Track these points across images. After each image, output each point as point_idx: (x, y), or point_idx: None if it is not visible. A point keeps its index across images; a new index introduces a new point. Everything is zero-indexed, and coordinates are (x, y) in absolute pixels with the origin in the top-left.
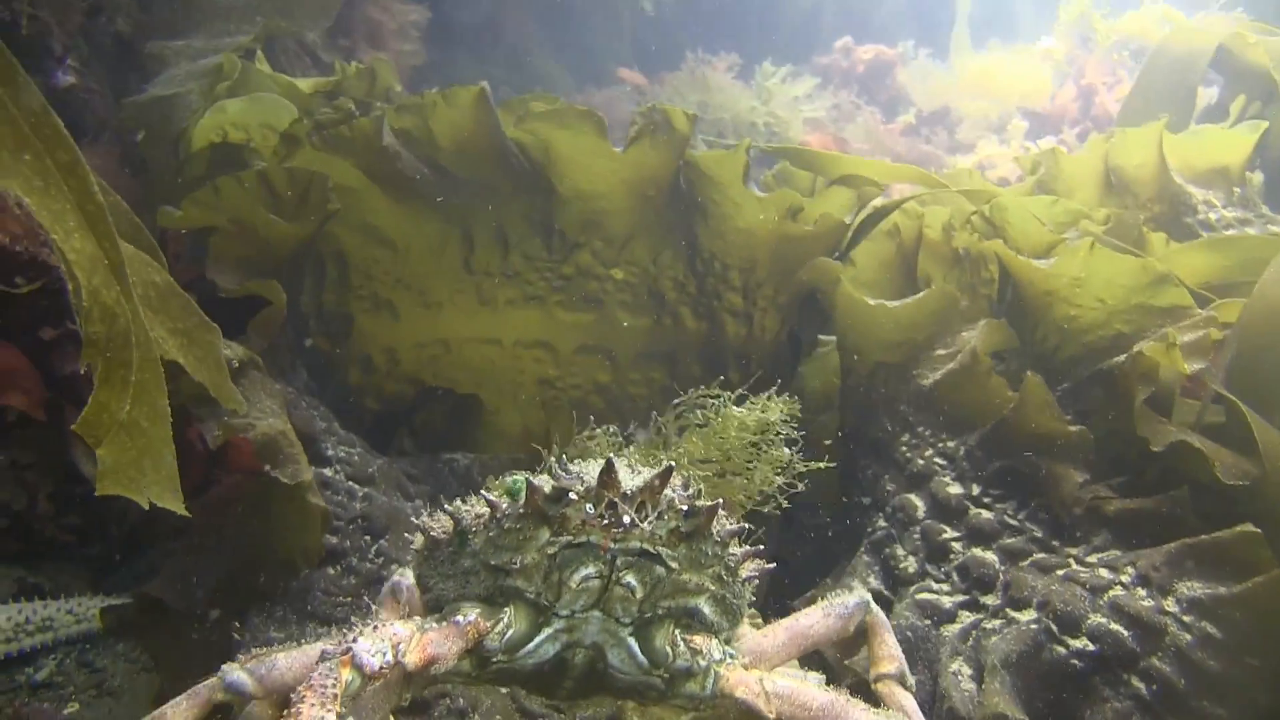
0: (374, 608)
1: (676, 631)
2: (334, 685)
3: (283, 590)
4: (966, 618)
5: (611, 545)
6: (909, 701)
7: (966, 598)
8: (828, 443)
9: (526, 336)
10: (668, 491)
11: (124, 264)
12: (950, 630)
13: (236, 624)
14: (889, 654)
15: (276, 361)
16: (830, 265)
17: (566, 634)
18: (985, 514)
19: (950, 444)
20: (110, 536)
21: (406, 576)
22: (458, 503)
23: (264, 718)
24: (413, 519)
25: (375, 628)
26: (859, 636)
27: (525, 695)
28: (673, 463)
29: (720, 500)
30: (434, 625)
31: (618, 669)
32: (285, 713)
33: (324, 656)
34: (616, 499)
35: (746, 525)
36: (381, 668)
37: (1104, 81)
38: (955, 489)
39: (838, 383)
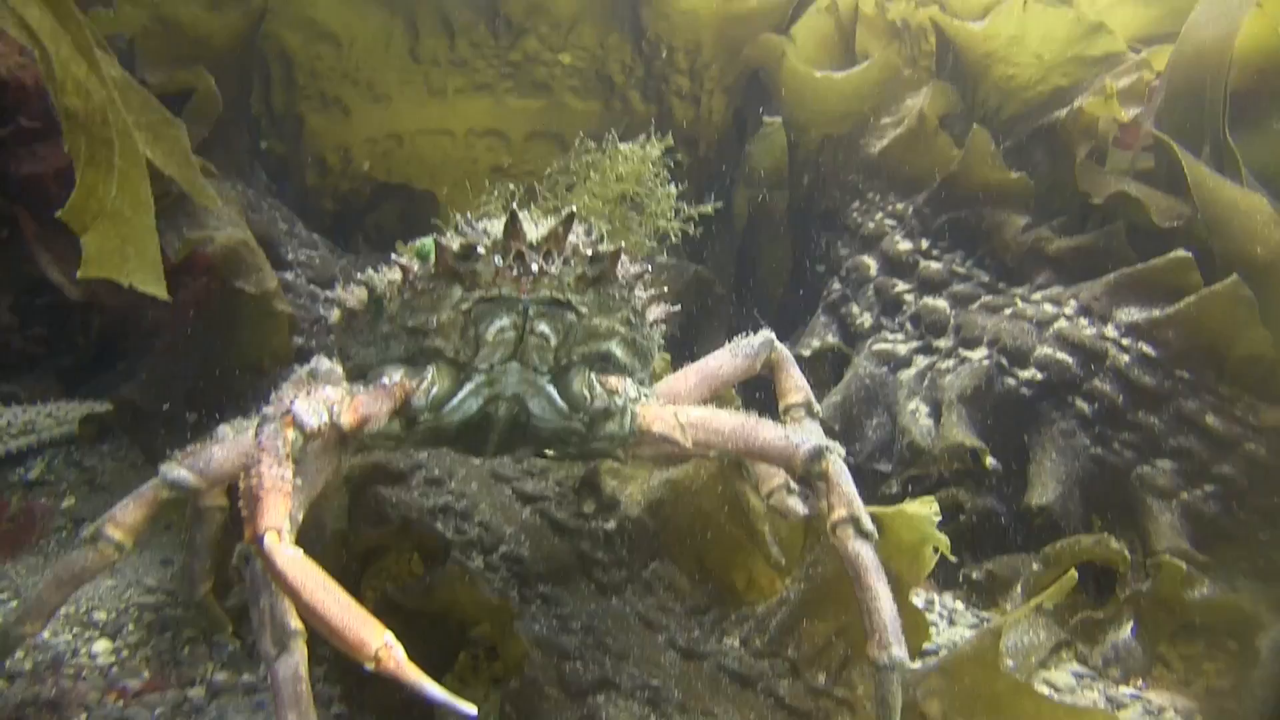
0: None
1: (592, 375)
2: (283, 444)
3: (254, 391)
4: (921, 361)
5: (522, 295)
6: (814, 425)
7: (920, 343)
8: (781, 222)
9: (478, 125)
10: (572, 238)
11: (89, 38)
12: (907, 374)
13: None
14: (795, 385)
15: (236, 165)
16: (774, 40)
17: (488, 387)
18: (934, 265)
19: (899, 205)
20: (78, 346)
21: (323, 362)
22: (369, 271)
23: (214, 505)
24: None
25: (308, 393)
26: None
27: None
28: (573, 207)
29: (622, 244)
30: (362, 388)
31: (540, 417)
32: (244, 475)
33: (264, 419)
34: (523, 248)
35: (647, 266)
36: (319, 427)
37: None
38: (905, 245)
39: (785, 159)
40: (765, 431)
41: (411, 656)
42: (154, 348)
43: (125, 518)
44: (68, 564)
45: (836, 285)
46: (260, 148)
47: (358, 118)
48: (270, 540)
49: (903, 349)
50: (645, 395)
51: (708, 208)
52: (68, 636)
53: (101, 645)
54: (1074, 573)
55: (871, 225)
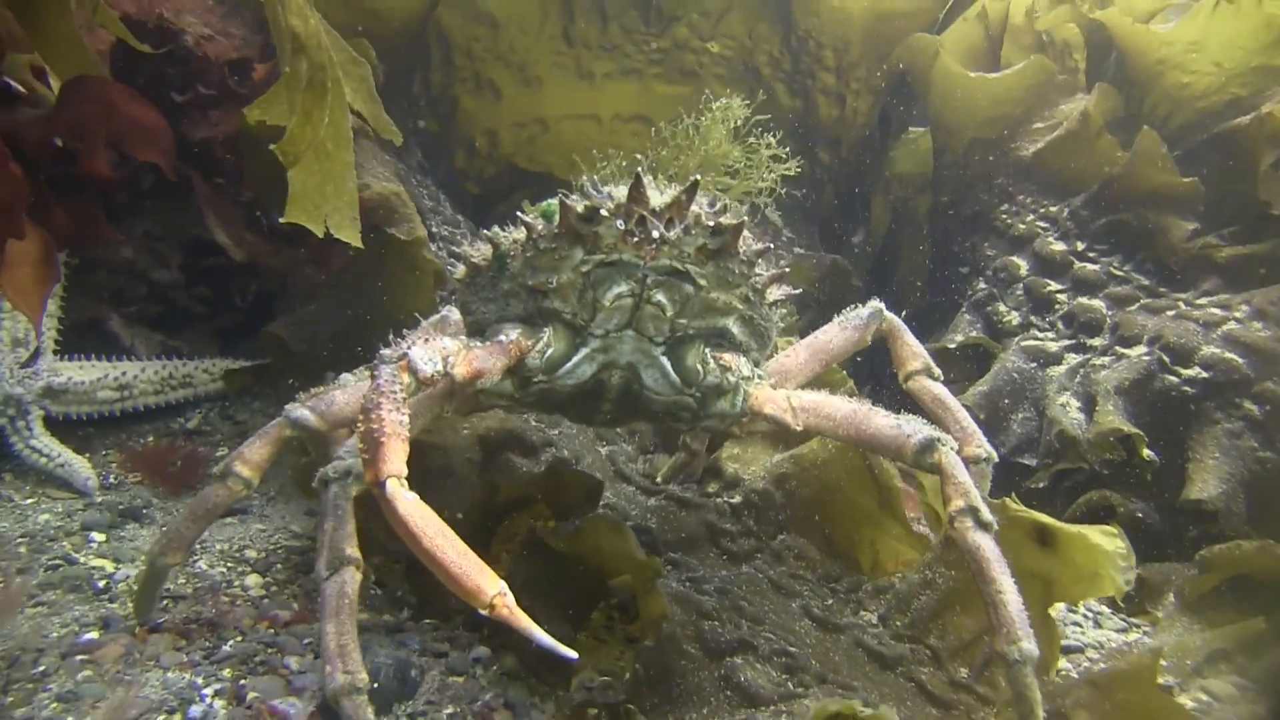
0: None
1: (707, 350)
2: (401, 389)
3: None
4: (1073, 359)
5: (642, 263)
6: (939, 388)
7: (1072, 341)
8: (924, 224)
9: (624, 110)
10: (694, 208)
11: None
12: (1057, 371)
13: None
14: (912, 352)
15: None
16: (927, 40)
17: (603, 353)
18: (1090, 266)
19: (1052, 208)
20: (237, 308)
21: (453, 312)
22: (496, 229)
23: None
24: None
25: (426, 340)
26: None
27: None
28: (697, 176)
29: (745, 218)
30: (479, 343)
31: (652, 389)
32: (362, 416)
33: (382, 360)
34: (645, 214)
35: (770, 245)
36: (433, 375)
37: None
38: (1059, 246)
39: (929, 162)
40: (877, 420)
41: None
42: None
43: (252, 455)
44: (202, 499)
45: (982, 285)
46: (418, 126)
47: (508, 100)
48: (393, 486)
49: (1053, 346)
50: (759, 375)
51: (791, 166)
52: (223, 569)
53: (253, 579)
54: None
55: (1023, 227)
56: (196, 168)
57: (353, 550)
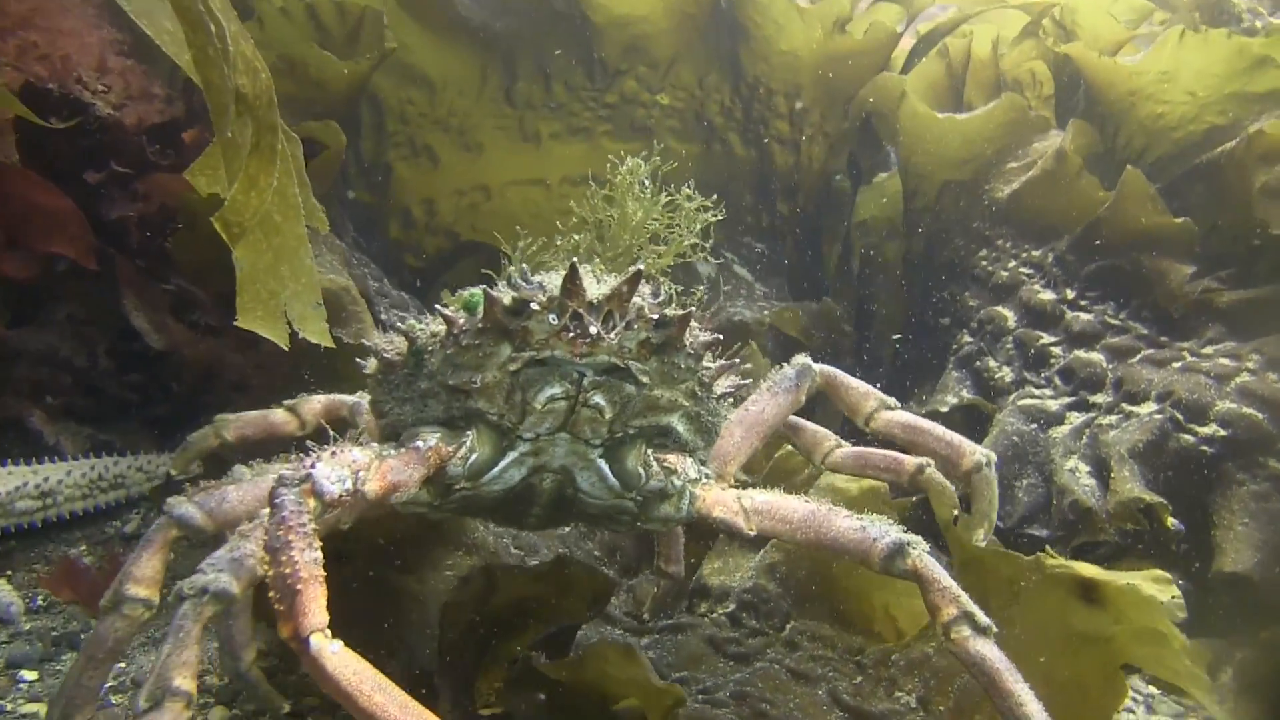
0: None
1: (649, 451)
2: (309, 518)
3: None
4: (1076, 418)
5: (577, 360)
6: (903, 414)
7: (1073, 399)
8: (897, 272)
9: (573, 172)
10: (636, 299)
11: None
12: (1060, 432)
13: None
14: (860, 394)
15: (329, 216)
16: (893, 80)
17: (533, 457)
18: (1084, 316)
19: (1035, 253)
20: (172, 394)
21: (362, 398)
22: (411, 321)
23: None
24: None
25: (333, 453)
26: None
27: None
28: (640, 266)
29: (693, 309)
30: (393, 451)
31: (588, 493)
32: (268, 558)
33: (282, 482)
34: (582, 309)
35: (719, 335)
36: (341, 495)
37: None
38: (1047, 295)
39: (897, 207)
40: (839, 522)
41: None
42: (242, 398)
43: (143, 570)
44: (96, 640)
45: (968, 338)
46: (347, 198)
47: (446, 167)
48: (318, 642)
49: (1053, 405)
50: (706, 476)
51: (717, 211)
52: None
53: (218, 714)
54: None
55: (1005, 274)
56: (118, 247)
57: (183, 682)
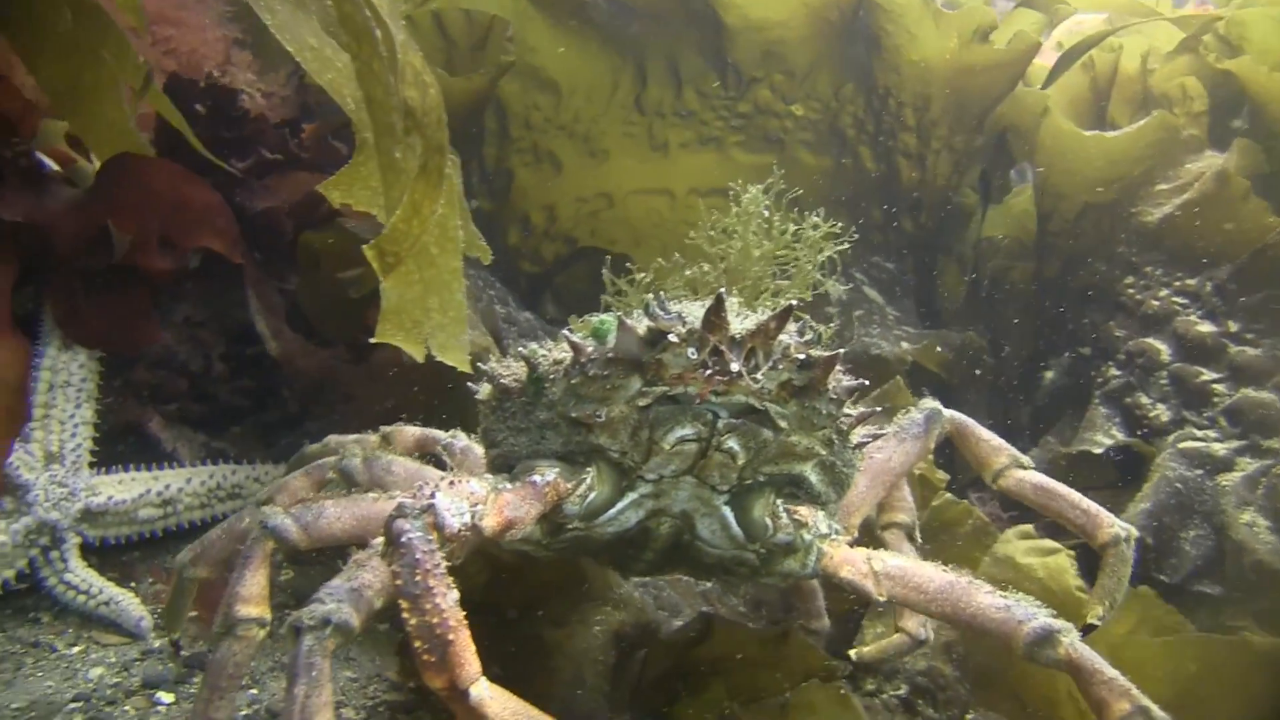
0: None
1: (778, 501)
2: (440, 558)
3: None
4: (1249, 464)
5: (712, 398)
6: (1037, 476)
7: (1244, 442)
8: (1027, 296)
9: (701, 184)
10: (783, 337)
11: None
12: (1230, 479)
13: None
14: (992, 448)
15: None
16: (1033, 95)
17: (653, 500)
18: (1250, 351)
19: (1190, 281)
20: (284, 401)
21: (459, 438)
22: (533, 346)
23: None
24: None
25: (451, 483)
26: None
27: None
28: (794, 302)
29: (840, 350)
30: (508, 485)
31: (707, 541)
32: (407, 605)
33: (402, 513)
34: (724, 344)
35: (864, 381)
36: (460, 530)
37: None
38: (1206, 327)
39: (1033, 228)
40: (980, 599)
41: None
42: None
43: (249, 590)
44: (218, 668)
45: (1115, 371)
46: (470, 207)
47: (569, 174)
48: (478, 692)
49: (1220, 449)
50: (836, 532)
51: (844, 240)
52: None
53: None
54: None
55: (1156, 304)
56: (253, 242)
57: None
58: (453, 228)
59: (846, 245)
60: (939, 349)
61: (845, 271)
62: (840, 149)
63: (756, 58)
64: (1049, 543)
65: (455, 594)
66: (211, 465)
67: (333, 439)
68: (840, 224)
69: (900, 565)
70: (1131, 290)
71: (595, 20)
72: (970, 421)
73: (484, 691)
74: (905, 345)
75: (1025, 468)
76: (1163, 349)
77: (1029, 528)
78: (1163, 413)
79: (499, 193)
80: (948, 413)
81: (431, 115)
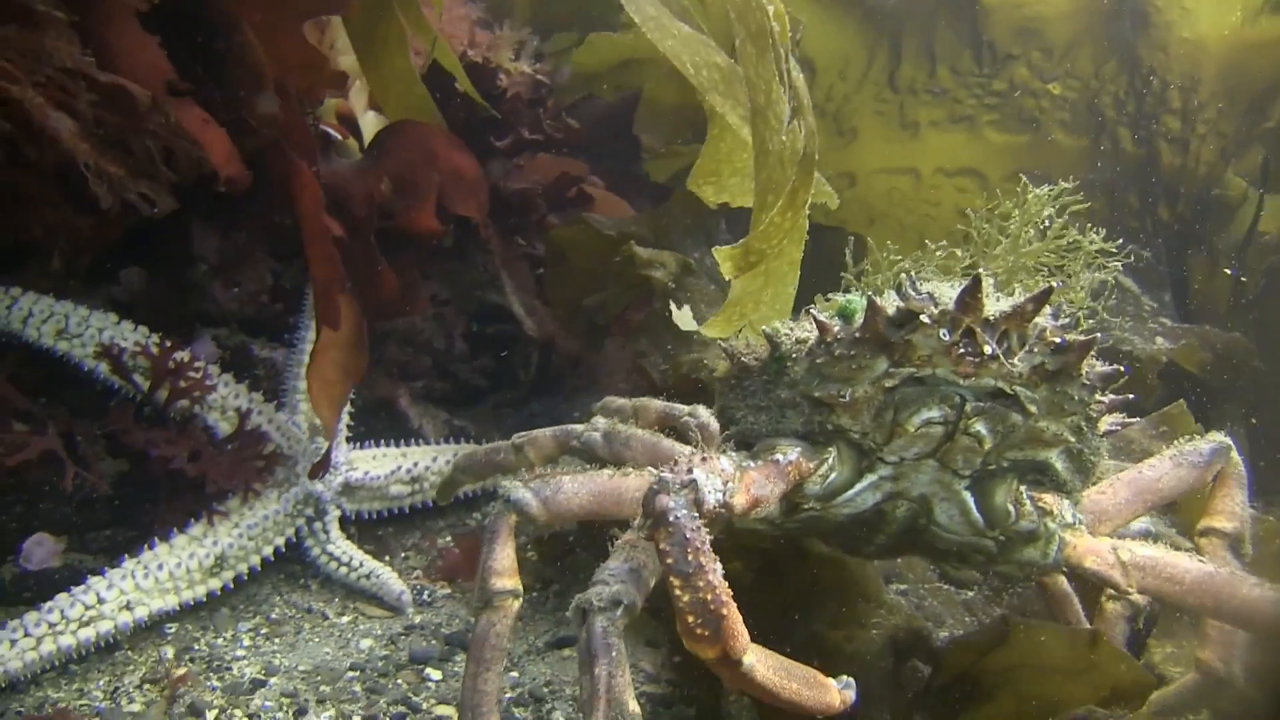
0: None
1: (1022, 488)
2: (704, 533)
3: None
4: None
5: (962, 382)
6: (1230, 556)
7: None
8: None
9: (949, 163)
10: (1039, 319)
11: None
12: None
13: None
14: (1231, 509)
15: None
16: None
17: (892, 483)
18: None
19: None
20: (519, 380)
21: (700, 413)
22: (776, 324)
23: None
24: None
25: (704, 459)
26: None
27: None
28: (1054, 284)
29: (1097, 335)
30: (753, 463)
31: (944, 526)
32: (679, 582)
33: (664, 488)
34: (977, 326)
35: (1119, 368)
36: (715, 506)
37: None
38: None
39: None
40: (1246, 590)
41: None
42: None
43: (500, 563)
44: (480, 643)
45: None
46: None
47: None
48: (750, 660)
49: None
50: (1080, 521)
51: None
52: None
53: None
54: None
55: None
56: (504, 222)
57: (634, 705)
58: (802, 222)
59: (1118, 266)
60: (1199, 349)
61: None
62: (1098, 130)
63: (1012, 34)
64: None
65: (720, 566)
66: (454, 444)
67: (609, 400)
68: (1101, 233)
69: (1151, 555)
70: None
71: None
72: (1243, 476)
73: (754, 658)
74: (1161, 341)
75: (1238, 553)
76: None
77: None
78: None
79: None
80: (1236, 456)
81: (804, 92)
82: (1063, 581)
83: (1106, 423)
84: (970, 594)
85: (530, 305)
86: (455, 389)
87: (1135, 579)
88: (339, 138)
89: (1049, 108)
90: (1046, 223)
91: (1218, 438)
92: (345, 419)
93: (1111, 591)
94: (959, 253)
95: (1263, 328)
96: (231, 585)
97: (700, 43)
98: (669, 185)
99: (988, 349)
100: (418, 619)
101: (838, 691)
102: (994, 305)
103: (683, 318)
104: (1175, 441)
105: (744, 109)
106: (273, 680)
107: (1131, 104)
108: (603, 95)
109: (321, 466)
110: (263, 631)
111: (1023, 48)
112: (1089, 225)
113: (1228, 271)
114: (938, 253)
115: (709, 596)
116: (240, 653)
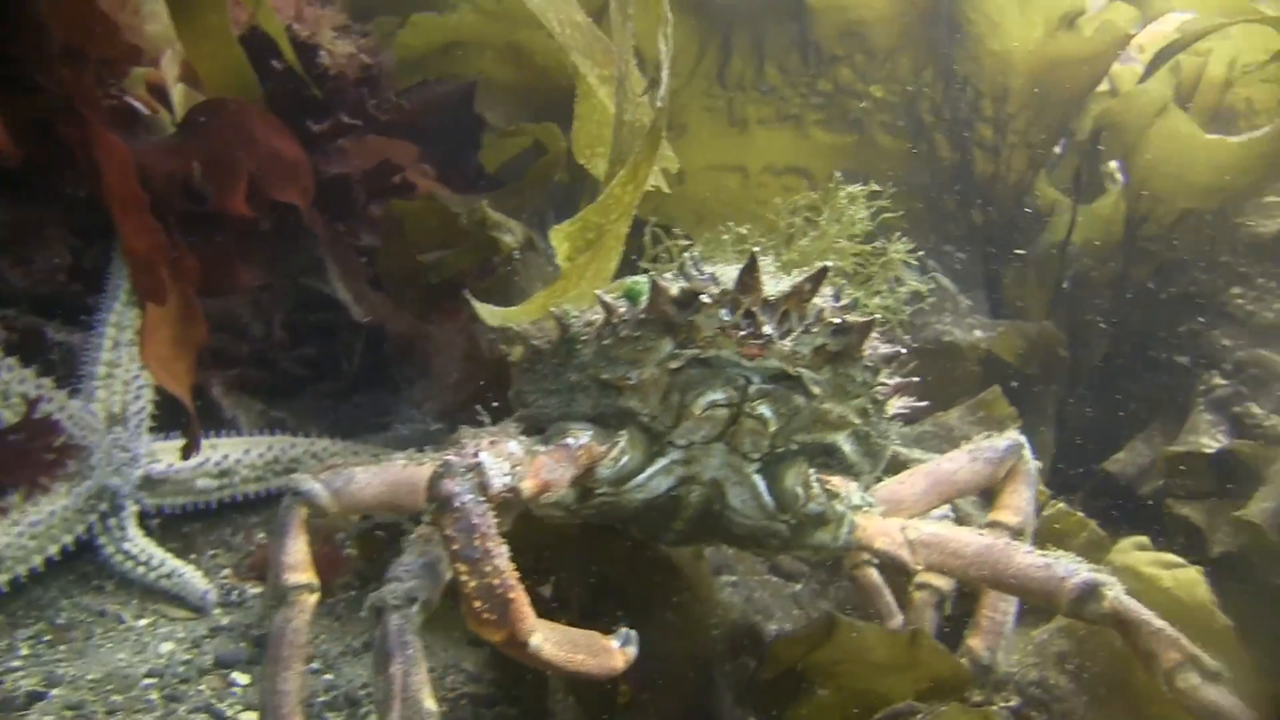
0: None
1: (811, 471)
2: (493, 517)
3: None
4: None
5: (745, 362)
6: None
7: None
8: (1112, 300)
9: (777, 161)
10: (818, 300)
11: None
12: None
13: None
14: (1017, 505)
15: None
16: (1147, 93)
17: (683, 466)
18: None
19: None
20: (343, 371)
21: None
22: (566, 306)
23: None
24: None
25: (491, 442)
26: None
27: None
28: (828, 264)
29: (875, 315)
30: (543, 448)
31: (738, 510)
32: (465, 568)
33: (449, 471)
34: (757, 306)
35: (899, 349)
36: (502, 490)
37: None
38: None
39: (1120, 232)
40: (1019, 558)
41: None
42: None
43: (292, 558)
44: (278, 640)
45: (1220, 379)
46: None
47: None
48: (537, 640)
49: None
50: (869, 503)
51: (920, 286)
52: None
53: None
54: None
55: (1270, 315)
56: (326, 206)
57: (431, 703)
58: (632, 202)
59: (929, 290)
60: (1015, 338)
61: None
62: (918, 134)
63: (837, 36)
64: (1169, 556)
65: (506, 549)
66: (269, 436)
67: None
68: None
69: (935, 531)
70: (1240, 301)
71: None
72: (1034, 475)
73: (541, 636)
74: (978, 333)
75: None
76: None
77: (1144, 539)
78: (1278, 424)
79: (576, 168)
80: (1029, 454)
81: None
82: (873, 574)
83: (895, 405)
84: (798, 587)
85: (359, 291)
86: (274, 379)
87: (922, 555)
88: (146, 112)
89: (872, 110)
90: (853, 222)
91: (1013, 435)
92: (147, 407)
93: (919, 581)
94: (764, 240)
95: (1073, 323)
96: (7, 589)
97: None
98: (508, 172)
99: (767, 329)
100: (225, 620)
101: (619, 652)
102: (774, 285)
103: (484, 310)
104: (974, 437)
105: (605, 71)
106: (54, 692)
107: (948, 110)
108: (434, 79)
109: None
110: (46, 639)
111: (847, 50)
112: (897, 234)
113: (1036, 276)
114: (724, 237)
115: (495, 581)
116: (16, 663)
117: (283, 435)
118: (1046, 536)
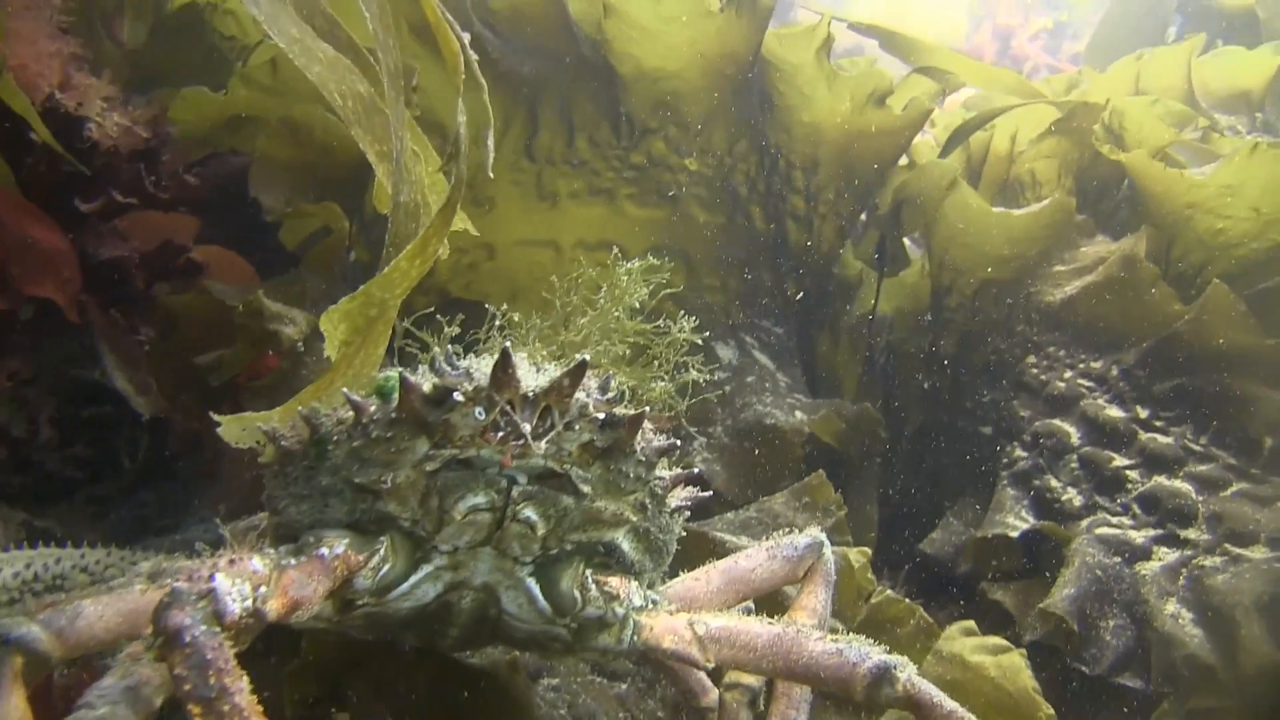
0: None
1: (588, 571)
2: (228, 648)
3: None
4: (1167, 554)
5: (507, 465)
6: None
7: (1160, 531)
8: (921, 372)
9: (589, 236)
10: (581, 394)
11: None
12: (1148, 568)
13: None
14: (813, 607)
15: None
16: (941, 167)
17: (450, 572)
18: (1161, 439)
19: (1095, 364)
20: (122, 471)
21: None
22: (316, 405)
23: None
24: None
25: (231, 561)
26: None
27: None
28: (586, 355)
29: (646, 408)
30: (293, 561)
31: (514, 616)
32: (199, 709)
33: (177, 599)
34: (514, 403)
35: (675, 441)
36: (242, 616)
37: (1016, 23)
38: (1115, 411)
39: (926, 303)
40: (811, 646)
41: None
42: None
43: (9, 715)
44: None
45: (1021, 452)
46: (349, 260)
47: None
48: None
49: (1137, 536)
50: (654, 602)
51: (699, 375)
52: None
53: None
54: None
55: (1062, 385)
56: (98, 292)
57: None
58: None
59: (699, 372)
60: (835, 420)
61: (736, 334)
62: (733, 207)
63: (650, 108)
64: (996, 639)
65: (245, 682)
66: (30, 550)
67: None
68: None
69: (724, 626)
70: (1035, 370)
71: (489, 54)
72: (830, 576)
73: None
74: (800, 415)
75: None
76: (1072, 431)
77: (971, 624)
78: (1074, 497)
79: (376, 244)
80: (828, 554)
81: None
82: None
83: (678, 496)
84: (624, 686)
85: (141, 382)
86: (39, 483)
87: (713, 652)
88: None
89: (686, 182)
90: (637, 302)
91: (813, 533)
92: None
93: (728, 681)
94: (536, 320)
95: (887, 399)
96: None
97: (346, 69)
98: (310, 249)
99: (525, 428)
100: None
101: None
102: (532, 379)
103: (228, 426)
104: (773, 534)
105: (383, 147)
106: None
107: (762, 182)
108: (227, 151)
109: None
110: None
111: (660, 121)
112: (680, 312)
113: (848, 348)
114: (498, 321)
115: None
116: None
117: (49, 548)
118: (876, 624)
